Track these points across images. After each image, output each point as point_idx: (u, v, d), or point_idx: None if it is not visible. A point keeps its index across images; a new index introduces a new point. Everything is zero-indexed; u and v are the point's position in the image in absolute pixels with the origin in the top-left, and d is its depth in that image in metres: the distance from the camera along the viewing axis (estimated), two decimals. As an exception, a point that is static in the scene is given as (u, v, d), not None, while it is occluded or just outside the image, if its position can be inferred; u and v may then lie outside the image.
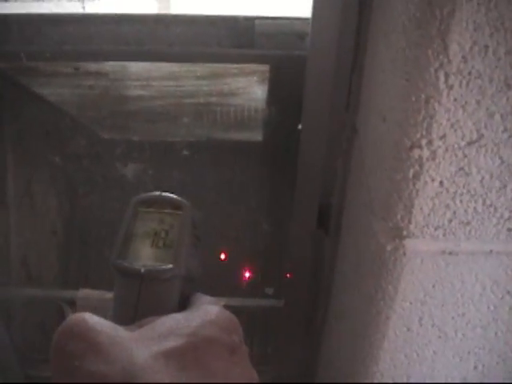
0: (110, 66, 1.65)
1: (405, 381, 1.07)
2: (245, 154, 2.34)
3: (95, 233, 2.47)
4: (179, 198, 0.68)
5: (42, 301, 1.92)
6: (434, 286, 0.91)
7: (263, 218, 2.34)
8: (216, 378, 0.51)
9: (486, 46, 0.67)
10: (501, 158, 0.76)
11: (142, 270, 0.61)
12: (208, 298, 0.63)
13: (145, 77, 1.73)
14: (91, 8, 1.49)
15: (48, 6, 1.56)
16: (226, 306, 0.57)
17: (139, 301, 0.60)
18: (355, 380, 1.13)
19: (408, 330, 0.98)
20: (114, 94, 1.86)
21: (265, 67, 1.57)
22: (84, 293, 1.67)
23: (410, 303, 0.94)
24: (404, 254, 0.86)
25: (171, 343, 0.50)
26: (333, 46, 1.13)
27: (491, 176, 0.78)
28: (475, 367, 1.04)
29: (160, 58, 1.52)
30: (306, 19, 1.30)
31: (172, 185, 2.30)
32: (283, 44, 1.38)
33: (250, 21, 1.36)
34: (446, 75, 0.69)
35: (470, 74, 0.69)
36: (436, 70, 0.69)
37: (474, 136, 0.74)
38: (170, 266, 0.61)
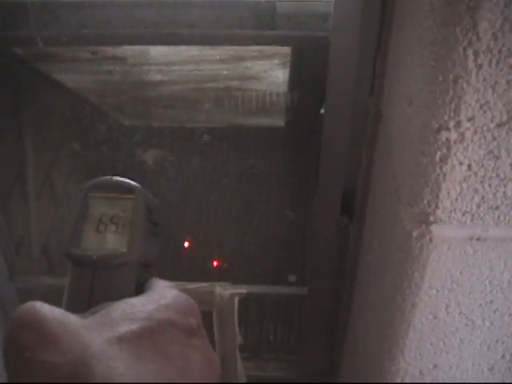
0: (128, 50, 1.64)
1: (431, 369, 1.05)
2: (266, 140, 2.33)
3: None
4: (131, 182, 0.67)
5: (64, 290, 1.92)
6: (461, 273, 0.89)
7: (286, 205, 2.33)
8: (173, 361, 0.51)
9: (518, 23, 0.64)
10: (532, 140, 0.74)
11: (95, 257, 0.60)
12: (166, 283, 0.62)
13: (164, 61, 1.72)
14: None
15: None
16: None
17: (93, 288, 0.59)
18: (381, 370, 1.11)
19: (434, 317, 0.96)
20: (133, 79, 1.85)
21: (286, 50, 1.55)
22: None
23: (437, 291, 0.92)
24: (430, 240, 0.84)
25: (125, 328, 0.50)
26: (356, 27, 1.10)
27: (521, 159, 0.76)
28: (503, 356, 1.02)
29: (180, 42, 1.50)
30: (328, 0, 1.28)
31: (193, 171, 2.29)
32: (305, 25, 1.36)
33: (271, 2, 1.35)
34: (476, 54, 0.67)
35: (500, 52, 0.66)
36: (465, 49, 0.67)
37: (504, 117, 0.72)
38: (123, 251, 0.61)
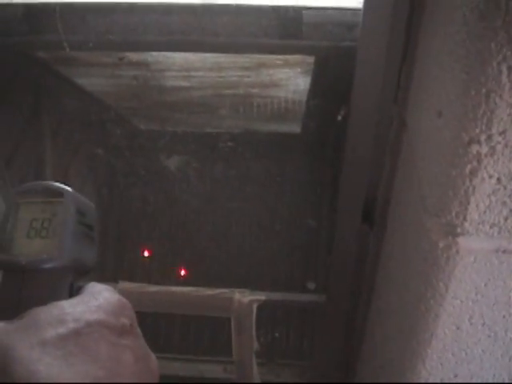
0: (153, 56, 1.65)
1: (452, 379, 1.05)
2: (285, 146, 2.34)
3: (133, 225, 2.48)
4: (60, 186, 0.66)
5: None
6: (485, 285, 0.89)
7: (305, 212, 2.33)
8: (102, 362, 0.51)
9: (552, 39, 0.65)
10: (561, 154, 0.74)
11: (23, 262, 0.59)
12: (102, 286, 0.61)
13: (188, 67, 1.72)
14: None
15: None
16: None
17: (22, 293, 0.58)
18: (401, 378, 1.12)
19: (457, 328, 0.96)
20: (155, 84, 1.86)
21: (310, 58, 1.56)
22: (123, 285, 1.67)
23: (461, 301, 0.92)
24: (457, 251, 0.84)
25: (51, 331, 0.50)
26: (384, 37, 1.11)
27: (549, 173, 0.76)
28: (524, 368, 1.03)
29: (205, 49, 1.51)
30: (354, 9, 1.29)
31: (213, 176, 2.30)
32: (331, 35, 1.36)
33: (297, 11, 1.35)
34: (509, 69, 0.67)
35: (533, 67, 0.67)
36: (499, 64, 0.67)
37: (535, 132, 0.72)
38: (53, 255, 0.60)
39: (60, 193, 0.65)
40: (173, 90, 1.90)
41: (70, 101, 2.02)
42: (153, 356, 0.59)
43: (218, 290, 1.62)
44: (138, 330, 0.59)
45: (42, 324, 0.50)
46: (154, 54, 1.62)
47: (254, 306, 1.60)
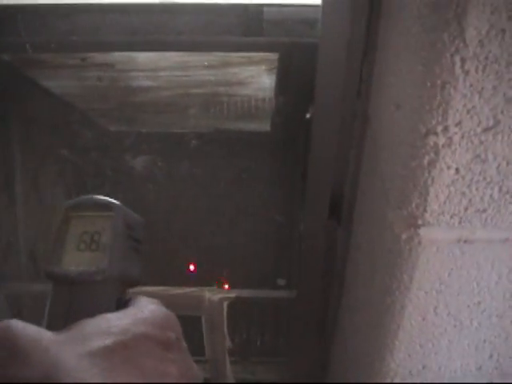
0: (117, 56, 1.64)
1: (420, 370, 1.06)
2: (253, 145, 2.34)
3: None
4: (110, 200, 0.67)
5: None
6: (449, 275, 0.90)
7: (274, 209, 2.33)
8: (147, 375, 0.51)
9: (503, 30, 0.65)
10: (518, 144, 0.75)
11: (72, 274, 0.60)
12: (148, 299, 0.62)
13: (152, 67, 1.72)
14: (97, -2, 1.48)
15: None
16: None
17: (71, 305, 0.59)
18: (370, 370, 1.12)
19: (423, 319, 0.97)
20: (121, 85, 1.85)
21: (274, 56, 1.56)
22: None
23: (426, 292, 0.93)
24: (419, 242, 0.85)
25: (99, 343, 0.50)
26: (344, 33, 1.11)
27: (508, 163, 0.77)
28: (491, 356, 1.03)
29: (168, 48, 1.51)
30: (315, 6, 1.29)
31: (181, 176, 2.30)
32: (292, 31, 1.37)
33: (258, 8, 1.35)
34: (463, 60, 0.68)
35: (486, 58, 0.67)
36: (452, 55, 0.68)
37: (491, 122, 0.73)
38: (102, 268, 0.61)
39: (110, 207, 0.66)
40: (140, 91, 1.89)
41: (37, 103, 2.00)
42: (198, 370, 0.60)
43: (187, 289, 1.62)
44: (184, 343, 0.59)
45: (90, 335, 0.51)
46: (118, 54, 1.62)
47: (225, 304, 1.61)
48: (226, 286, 2.42)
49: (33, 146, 2.08)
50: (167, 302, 1.52)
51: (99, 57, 1.63)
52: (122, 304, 0.62)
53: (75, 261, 0.62)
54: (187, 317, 1.85)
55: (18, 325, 0.50)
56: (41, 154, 2.14)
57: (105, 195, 0.65)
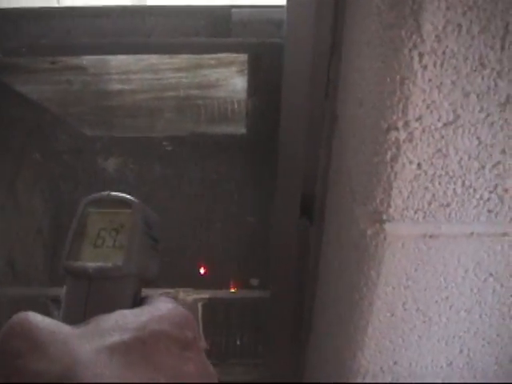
0: (88, 60, 1.64)
1: (391, 366, 1.06)
2: (228, 147, 2.34)
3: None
4: (129, 197, 0.67)
5: (28, 299, 1.92)
6: (416, 270, 0.91)
7: (247, 210, 2.33)
8: (165, 373, 0.50)
9: (460, 25, 0.66)
10: (478, 138, 0.76)
11: (90, 270, 0.60)
12: (165, 298, 0.61)
13: (124, 70, 1.72)
14: (66, 1, 1.49)
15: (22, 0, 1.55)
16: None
17: (88, 301, 0.59)
18: (342, 368, 1.13)
19: (392, 315, 0.98)
20: (93, 88, 1.85)
21: (243, 57, 1.57)
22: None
23: (393, 288, 0.93)
24: (385, 238, 0.86)
25: (116, 338, 0.50)
26: (309, 33, 1.12)
27: (469, 157, 0.78)
28: (461, 351, 1.04)
29: (138, 50, 1.51)
30: (282, 7, 1.30)
31: (155, 179, 2.29)
32: (260, 32, 1.38)
33: (226, 10, 1.36)
34: (420, 55, 0.69)
35: (444, 53, 0.68)
36: (410, 51, 0.69)
37: (451, 117, 0.74)
38: (119, 264, 0.61)
39: (128, 204, 0.66)
40: (112, 94, 1.89)
41: (12, 109, 2.00)
42: (214, 371, 0.59)
43: (161, 290, 1.62)
44: (200, 343, 0.58)
45: (108, 330, 0.50)
46: (90, 57, 1.62)
47: (199, 305, 1.61)
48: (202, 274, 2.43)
49: (8, 151, 2.07)
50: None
51: (71, 60, 1.63)
52: (137, 301, 0.62)
53: (92, 256, 0.63)
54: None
55: (37, 317, 0.50)
56: (16, 159, 2.14)
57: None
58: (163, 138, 2.22)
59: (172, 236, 2.41)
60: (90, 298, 0.59)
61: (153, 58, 1.63)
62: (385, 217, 0.85)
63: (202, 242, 2.40)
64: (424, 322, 0.99)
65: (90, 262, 0.61)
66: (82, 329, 0.51)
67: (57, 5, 1.45)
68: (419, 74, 0.70)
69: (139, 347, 0.50)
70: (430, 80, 0.71)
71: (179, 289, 1.64)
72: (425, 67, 0.70)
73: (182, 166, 2.31)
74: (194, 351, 0.55)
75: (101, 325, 0.51)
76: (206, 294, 1.64)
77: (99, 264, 0.61)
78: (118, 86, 1.84)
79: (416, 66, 0.70)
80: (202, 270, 2.42)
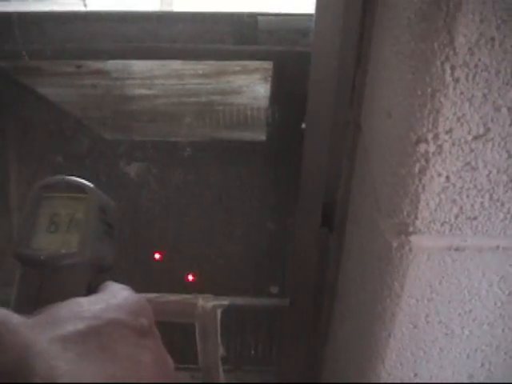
0: (112, 64, 1.65)
1: (412, 378, 1.06)
2: (247, 153, 2.34)
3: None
4: (84, 182, 0.66)
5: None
6: (440, 283, 0.90)
7: (268, 217, 2.33)
8: (120, 362, 0.50)
9: (493, 39, 0.66)
10: (508, 152, 0.75)
11: (42, 257, 0.59)
12: (120, 285, 0.61)
13: (147, 75, 1.73)
14: (93, 5, 1.49)
15: (48, 3, 1.56)
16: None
17: (41, 288, 0.58)
18: (362, 379, 1.12)
19: (414, 327, 0.97)
20: (115, 93, 1.85)
21: (268, 64, 1.57)
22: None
23: (417, 300, 0.93)
24: (410, 250, 0.85)
25: (71, 327, 0.49)
26: (336, 42, 1.12)
27: (498, 170, 0.77)
28: (482, 364, 1.03)
29: (163, 56, 1.51)
30: (308, 15, 1.30)
31: (175, 184, 2.29)
32: (286, 40, 1.37)
33: (252, 17, 1.36)
34: (453, 68, 0.68)
35: (476, 66, 0.68)
36: (442, 63, 0.68)
37: (481, 130, 0.73)
38: (73, 251, 0.60)
39: (83, 189, 0.65)
40: (135, 99, 1.90)
41: (33, 111, 2.01)
42: (170, 358, 0.59)
43: (181, 296, 1.62)
44: (156, 330, 0.59)
45: (62, 320, 0.50)
46: (114, 62, 1.62)
47: (218, 312, 1.60)
48: (191, 278, 2.42)
49: (28, 153, 2.08)
50: (161, 308, 1.51)
51: (95, 65, 1.63)
52: (92, 289, 0.61)
53: (45, 243, 0.61)
54: (181, 324, 1.86)
55: None
56: (36, 161, 2.14)
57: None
58: (183, 143, 2.22)
59: (191, 242, 2.41)
60: (42, 286, 0.58)
61: (177, 64, 1.63)
62: (411, 229, 0.84)
63: (220, 249, 2.40)
64: (446, 334, 0.99)
65: (43, 249, 0.60)
66: (35, 318, 0.50)
67: (83, 9, 1.45)
68: (451, 87, 0.70)
69: (94, 337, 0.50)
70: (461, 93, 0.70)
71: (198, 295, 1.63)
72: (457, 80, 0.69)
73: (200, 171, 2.31)
74: (150, 339, 0.56)
75: (54, 314, 0.51)
76: (225, 301, 1.63)
77: (52, 251, 0.60)
78: (140, 91, 1.84)
79: (448, 78, 0.69)
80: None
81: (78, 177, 0.67)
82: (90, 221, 0.63)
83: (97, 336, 0.50)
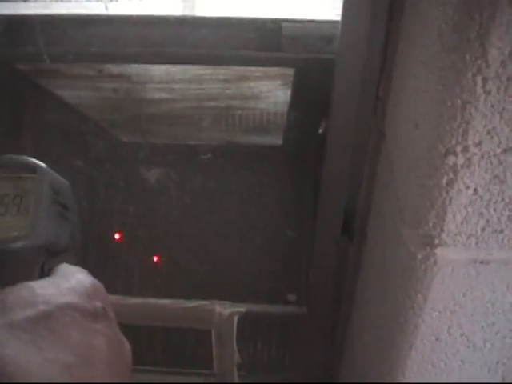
0: (133, 68, 1.64)
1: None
2: (264, 158, 2.34)
3: (113, 238, 2.47)
4: (34, 161, 0.63)
5: None
6: (464, 295, 0.89)
7: (285, 223, 2.33)
8: (72, 347, 0.49)
9: (526, 51, 0.65)
10: (537, 165, 0.74)
11: None
12: (75, 268, 0.60)
13: (168, 79, 1.73)
14: (114, 9, 1.48)
15: (69, 6, 1.56)
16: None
17: None
18: (381, 389, 1.12)
19: (436, 339, 0.96)
20: (135, 96, 1.86)
21: (289, 70, 1.56)
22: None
23: (439, 312, 0.92)
24: (435, 262, 0.85)
25: (20, 313, 0.48)
26: (362, 49, 1.11)
27: (526, 184, 0.76)
28: (503, 378, 1.03)
29: (185, 61, 1.51)
30: (332, 22, 1.29)
31: (192, 188, 2.30)
32: (310, 47, 1.37)
33: (276, 23, 1.35)
34: (484, 80, 0.68)
35: (508, 79, 0.67)
36: (474, 75, 0.68)
37: (511, 143, 0.72)
38: (24, 233, 0.58)
39: (33, 168, 0.62)
40: (154, 102, 1.90)
41: (51, 113, 2.01)
42: (126, 342, 0.58)
43: (198, 302, 1.61)
44: (112, 314, 0.57)
45: (10, 305, 0.49)
46: (135, 66, 1.62)
47: (235, 318, 1.60)
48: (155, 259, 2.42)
49: (45, 155, 2.08)
50: (178, 315, 1.51)
51: (115, 68, 1.63)
52: (45, 272, 0.60)
53: None
54: (197, 330, 1.86)
55: None
56: (53, 163, 2.15)
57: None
58: (200, 147, 2.22)
59: (208, 248, 2.41)
60: None
61: (198, 69, 1.62)
62: (437, 241, 0.83)
63: (237, 255, 2.40)
64: (468, 347, 0.98)
65: None
66: None
67: (105, 11, 1.44)
68: (482, 99, 0.69)
69: (44, 322, 0.48)
70: (492, 106, 0.69)
71: (215, 301, 1.63)
72: (488, 92, 0.68)
73: (218, 174, 2.31)
74: (103, 322, 0.54)
75: (3, 299, 0.50)
76: (242, 308, 1.63)
77: (2, 234, 0.58)
78: (160, 95, 1.84)
79: (479, 90, 0.68)
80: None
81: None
82: (40, 201, 0.61)
83: (47, 321, 0.49)
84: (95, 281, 0.58)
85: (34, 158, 0.64)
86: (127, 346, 0.58)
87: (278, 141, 2.24)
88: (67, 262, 0.62)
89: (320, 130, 1.36)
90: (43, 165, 0.63)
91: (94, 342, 0.51)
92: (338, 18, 1.13)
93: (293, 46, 1.36)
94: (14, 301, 0.49)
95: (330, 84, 1.21)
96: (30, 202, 0.60)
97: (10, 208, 0.60)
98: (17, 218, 0.60)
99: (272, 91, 1.75)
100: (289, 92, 1.72)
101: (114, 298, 1.68)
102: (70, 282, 0.55)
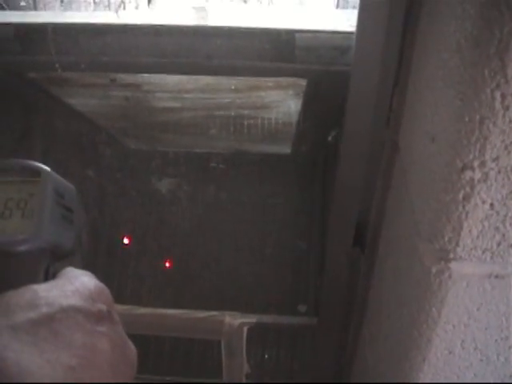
0: (144, 77, 1.65)
1: (444, 404, 1.05)
2: (273, 166, 2.34)
3: (122, 247, 2.48)
4: (37, 164, 0.63)
5: None
6: (478, 309, 0.89)
7: (297, 234, 2.33)
8: (75, 350, 0.49)
9: (545, 67, 0.65)
10: (553, 180, 0.74)
11: None
12: (80, 271, 0.59)
13: (178, 89, 1.73)
14: (127, 18, 1.48)
15: (82, 15, 1.56)
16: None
17: None
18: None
19: (450, 352, 0.96)
20: (147, 105, 1.86)
21: (302, 81, 1.56)
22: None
23: (453, 326, 0.92)
24: (450, 276, 0.85)
25: (23, 316, 0.48)
26: (377, 60, 1.11)
27: (543, 199, 0.76)
28: (516, 392, 1.02)
29: (198, 72, 1.50)
30: (346, 33, 1.29)
31: (203, 198, 2.30)
32: (323, 58, 1.36)
33: (290, 34, 1.35)
34: (503, 96, 0.67)
35: (527, 95, 0.67)
36: (492, 91, 0.67)
37: (528, 158, 0.72)
38: (28, 236, 0.58)
39: (37, 172, 0.63)
40: (164, 111, 1.90)
41: (61, 121, 2.01)
42: (131, 344, 0.58)
43: (208, 313, 1.61)
44: (116, 316, 0.57)
45: (13, 308, 0.49)
46: (146, 75, 1.62)
47: (245, 329, 1.60)
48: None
49: (55, 163, 2.08)
50: (187, 325, 1.51)
51: (127, 77, 1.63)
52: (50, 275, 0.60)
53: (0, 229, 0.59)
54: (207, 340, 1.86)
55: None
56: (63, 170, 2.15)
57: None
58: (208, 155, 2.23)
59: (216, 258, 2.41)
60: None
61: (211, 78, 1.62)
62: (452, 255, 0.83)
63: (250, 267, 2.40)
64: (481, 360, 0.98)
65: None
66: None
67: (116, 19, 1.44)
68: (500, 115, 0.69)
69: (47, 325, 0.48)
70: (510, 121, 0.69)
71: (225, 312, 1.63)
72: (507, 108, 0.68)
73: (227, 183, 2.32)
74: (107, 325, 0.54)
75: (7, 302, 0.50)
76: (252, 319, 1.62)
77: (7, 237, 0.58)
78: (171, 104, 1.84)
79: (498, 106, 0.68)
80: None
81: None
82: (44, 205, 0.61)
83: (50, 323, 0.49)
84: (100, 283, 0.58)
85: (44, 164, 0.64)
86: (133, 349, 0.58)
87: (286, 150, 2.25)
88: (73, 265, 0.62)
89: (329, 138, 1.36)
90: (47, 168, 0.63)
91: (98, 344, 0.51)
92: (352, 29, 1.13)
93: (306, 56, 1.36)
94: (17, 303, 0.49)
95: (342, 95, 1.21)
96: (35, 205, 0.61)
97: (14, 211, 0.61)
98: (21, 221, 0.60)
99: (283, 101, 1.75)
100: (299, 102, 1.72)
101: (123, 307, 1.68)
102: (74, 284, 0.55)
